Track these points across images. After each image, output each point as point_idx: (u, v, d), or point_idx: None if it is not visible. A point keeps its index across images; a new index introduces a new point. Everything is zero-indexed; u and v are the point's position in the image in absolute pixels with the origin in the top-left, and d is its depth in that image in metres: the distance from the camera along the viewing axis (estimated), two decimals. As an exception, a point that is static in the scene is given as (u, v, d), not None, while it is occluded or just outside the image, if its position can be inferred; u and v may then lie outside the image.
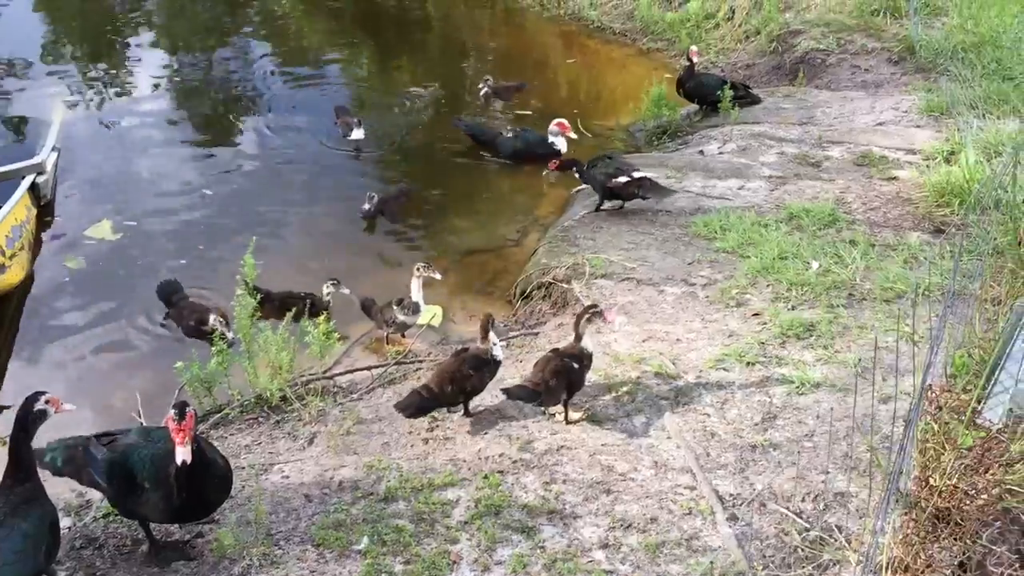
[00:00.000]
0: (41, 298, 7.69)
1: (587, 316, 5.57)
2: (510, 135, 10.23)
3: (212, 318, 6.96)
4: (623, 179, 8.16)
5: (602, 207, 8.46)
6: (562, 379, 5.38)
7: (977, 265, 5.89)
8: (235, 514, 4.73)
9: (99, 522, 4.83)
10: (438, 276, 7.15)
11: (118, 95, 11.95)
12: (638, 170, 8.27)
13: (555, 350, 5.62)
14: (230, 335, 6.68)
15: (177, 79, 12.45)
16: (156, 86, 12.17)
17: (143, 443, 4.38)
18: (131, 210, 9.02)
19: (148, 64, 12.91)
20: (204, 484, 4.22)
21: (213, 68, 13.03)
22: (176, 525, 4.71)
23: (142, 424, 6.06)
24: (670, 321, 6.57)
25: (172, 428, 4.03)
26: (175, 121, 11.20)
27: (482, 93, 11.61)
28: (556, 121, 9.88)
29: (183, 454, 4.03)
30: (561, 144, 9.87)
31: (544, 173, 9.21)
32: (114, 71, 12.80)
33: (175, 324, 7.33)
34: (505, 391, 5.46)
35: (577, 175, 8.61)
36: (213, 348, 5.83)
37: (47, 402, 4.20)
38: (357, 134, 10.25)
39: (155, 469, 4.23)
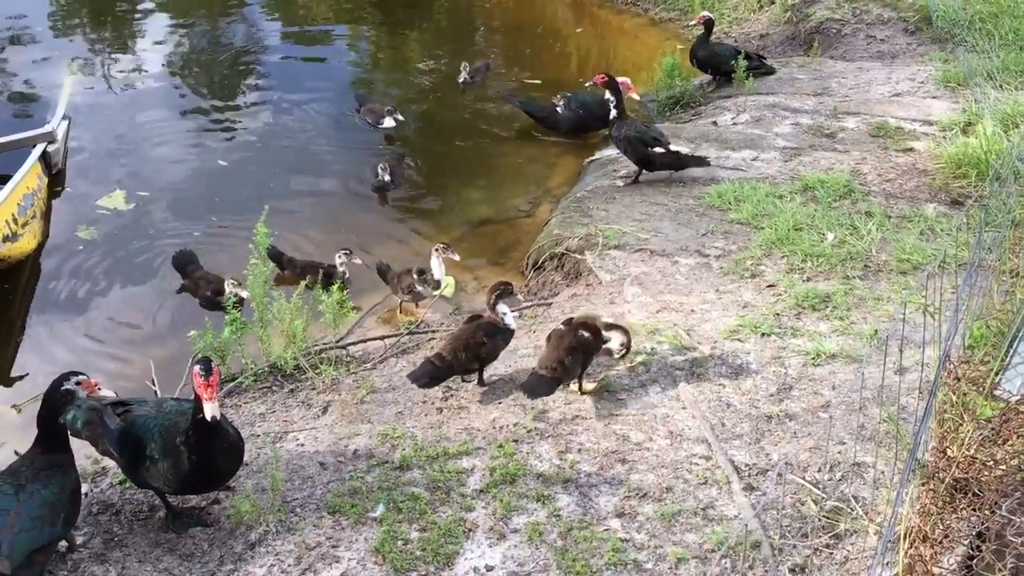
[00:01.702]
0: (54, 267, 7.71)
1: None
2: (561, 104, 9.80)
3: (227, 282, 6.98)
4: (660, 150, 8.11)
5: (639, 179, 8.36)
6: (577, 355, 5.31)
7: (995, 237, 5.83)
8: (251, 481, 4.74)
9: (116, 488, 4.85)
10: (456, 257, 7.14)
11: (127, 65, 11.92)
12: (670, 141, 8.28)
13: (568, 321, 5.59)
14: (244, 294, 6.70)
15: (185, 50, 12.41)
16: (165, 57, 12.14)
17: (154, 414, 4.37)
18: (144, 180, 9.02)
19: (156, 35, 12.86)
20: (214, 452, 4.21)
21: (221, 39, 12.96)
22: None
23: (156, 393, 6.09)
24: (684, 292, 6.54)
25: (199, 384, 4.01)
26: (184, 92, 11.16)
27: (461, 81, 11.11)
28: (622, 80, 9.19)
29: (212, 409, 4.02)
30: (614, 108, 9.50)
31: (587, 84, 8.78)
32: (123, 41, 12.77)
33: (191, 294, 7.35)
34: (526, 390, 5.25)
35: (613, 105, 8.28)
36: (227, 317, 5.83)
37: (78, 383, 4.18)
38: (388, 122, 9.91)
39: (163, 440, 4.22)
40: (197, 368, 4.03)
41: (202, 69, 11.86)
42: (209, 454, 4.19)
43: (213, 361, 4.11)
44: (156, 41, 12.59)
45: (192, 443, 4.16)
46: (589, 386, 5.51)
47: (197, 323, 6.05)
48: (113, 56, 12.20)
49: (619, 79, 9.19)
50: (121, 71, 11.73)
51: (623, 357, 5.55)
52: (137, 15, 13.73)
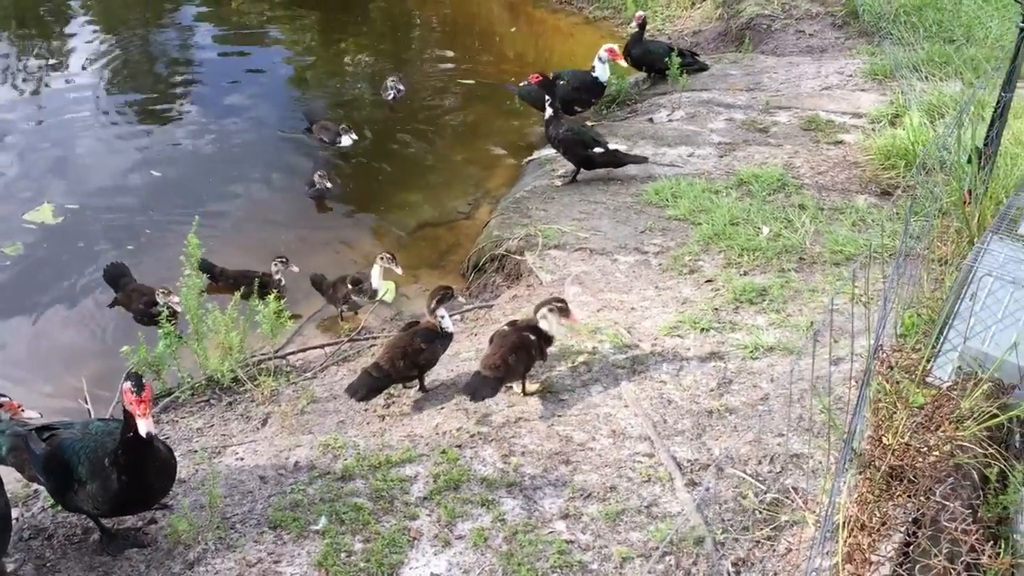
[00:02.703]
0: (-22, 285, 7.47)
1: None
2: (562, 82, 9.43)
3: (157, 293, 6.85)
4: (600, 150, 8.14)
5: (576, 177, 8.39)
6: (521, 354, 5.30)
7: (924, 226, 5.95)
8: (188, 499, 4.63)
9: (48, 512, 4.70)
10: (399, 271, 7.09)
11: (54, 74, 11.61)
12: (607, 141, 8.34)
13: (512, 323, 5.57)
14: (175, 300, 6.61)
15: (115, 58, 12.11)
16: (94, 64, 11.83)
17: (80, 436, 4.24)
18: (73, 193, 8.79)
19: (85, 42, 12.54)
20: (145, 470, 4.09)
21: (152, 46, 12.69)
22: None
23: (89, 412, 5.93)
24: (624, 290, 6.57)
25: (131, 400, 3.89)
26: (115, 101, 10.89)
27: (391, 97, 10.76)
28: (606, 47, 9.35)
29: (146, 426, 3.90)
30: (603, 72, 9.41)
31: (522, 84, 8.61)
32: (50, 50, 12.41)
33: (124, 308, 7.18)
34: (469, 391, 5.22)
35: (548, 106, 8.19)
36: (160, 331, 5.70)
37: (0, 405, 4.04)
38: (346, 141, 9.67)
39: (90, 462, 4.10)
40: (127, 384, 3.92)
41: (134, 78, 11.59)
42: (140, 473, 4.07)
43: (144, 376, 4.00)
44: (85, 50, 12.27)
45: (121, 463, 4.04)
46: (532, 387, 5.50)
47: (131, 338, 5.90)
48: (39, 66, 11.86)
49: (606, 46, 9.23)
50: (48, 81, 11.41)
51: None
52: (64, 23, 13.37)
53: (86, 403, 6.06)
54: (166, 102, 10.91)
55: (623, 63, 9.26)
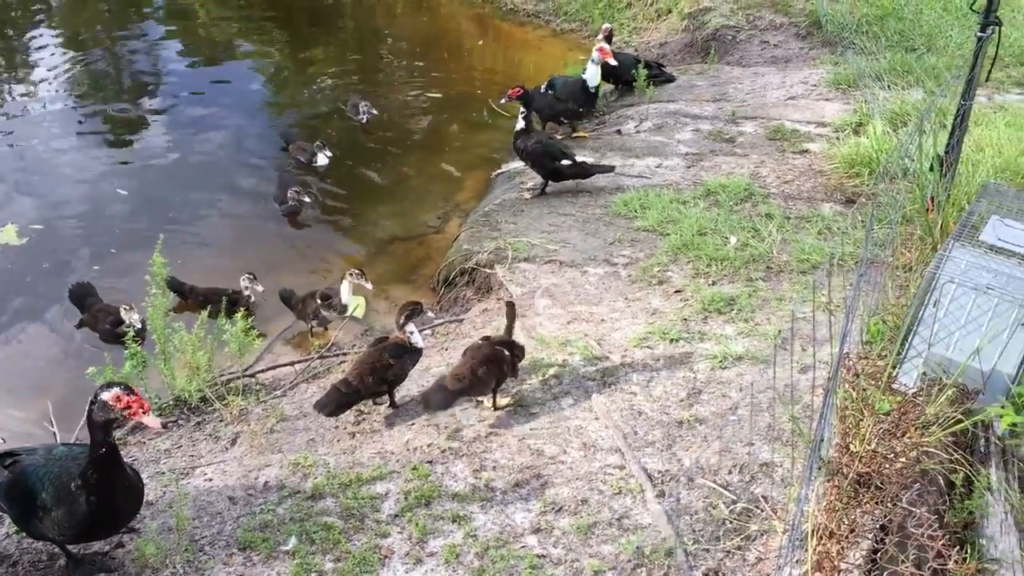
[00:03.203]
0: (-59, 307, 7.35)
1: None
2: (548, 93, 9.39)
3: (121, 310, 6.78)
4: (567, 162, 8.17)
5: (546, 190, 8.41)
6: (492, 367, 5.31)
7: (888, 233, 6.02)
8: (156, 521, 4.58)
9: (12, 538, 4.63)
10: (369, 286, 7.08)
11: (18, 91, 11.47)
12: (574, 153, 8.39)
13: (486, 338, 5.58)
14: (135, 318, 6.61)
15: (82, 74, 11.98)
16: (59, 81, 11.70)
17: (43, 462, 4.16)
18: (37, 213, 8.69)
19: (50, 59, 12.40)
20: (114, 492, 4.03)
21: (119, 62, 12.58)
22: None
23: (55, 435, 5.85)
24: (594, 302, 6.58)
25: (128, 402, 3.84)
26: (81, 119, 10.76)
27: (364, 120, 10.51)
28: (598, 47, 9.26)
29: (154, 422, 3.90)
30: (593, 76, 9.34)
31: (502, 99, 8.55)
32: (13, 66, 12.27)
33: (90, 328, 7.10)
34: (422, 401, 5.34)
35: (522, 117, 8.23)
36: (126, 351, 5.64)
37: None
38: (322, 160, 9.54)
39: (55, 488, 4.02)
40: (115, 391, 3.84)
41: (100, 95, 11.46)
42: (109, 494, 4.01)
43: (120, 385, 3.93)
44: (50, 66, 12.12)
45: (92, 482, 3.97)
46: (503, 401, 5.49)
47: (98, 359, 5.83)
48: (1, 83, 11.73)
49: (598, 46, 9.19)
50: (11, 98, 11.29)
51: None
52: (28, 38, 13.22)
53: (52, 426, 5.98)
54: (133, 119, 10.81)
55: (612, 61, 9.23)
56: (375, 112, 10.50)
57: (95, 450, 3.95)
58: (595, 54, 9.29)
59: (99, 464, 3.95)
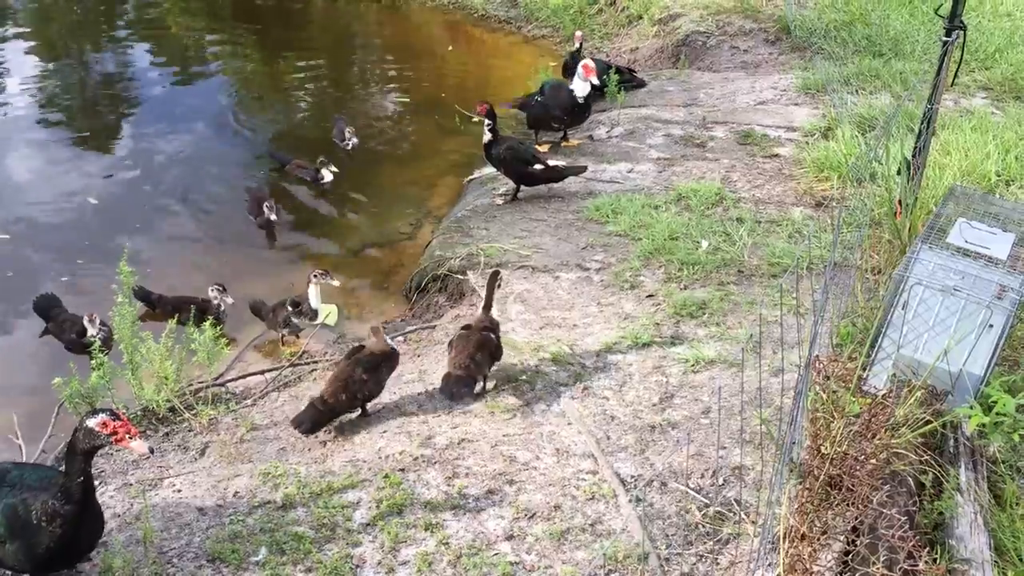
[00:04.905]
0: (-98, 319, 7.21)
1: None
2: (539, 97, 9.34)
3: (84, 320, 6.68)
4: (540, 167, 8.17)
5: (518, 195, 8.41)
6: (484, 352, 5.53)
7: (857, 236, 6.07)
8: (123, 534, 4.51)
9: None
10: (336, 283, 7.03)
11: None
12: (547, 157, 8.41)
13: (467, 327, 5.74)
14: (92, 330, 6.52)
15: (50, 81, 11.81)
16: (28, 89, 11.52)
17: None
18: (5, 223, 8.54)
19: (18, 66, 12.22)
20: (80, 525, 3.91)
21: (89, 69, 12.44)
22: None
23: (21, 447, 5.75)
24: (566, 307, 6.58)
25: (115, 427, 3.76)
26: (52, 128, 10.57)
27: (351, 147, 10.05)
28: (582, 63, 9.18)
29: (141, 447, 3.82)
30: (581, 88, 9.16)
31: (474, 118, 8.54)
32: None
33: (55, 338, 6.99)
34: (447, 394, 5.48)
35: (488, 129, 8.21)
36: (92, 361, 5.55)
37: None
38: (328, 177, 9.33)
39: (9, 521, 3.88)
40: (103, 417, 3.77)
41: (70, 103, 11.30)
42: (75, 527, 3.89)
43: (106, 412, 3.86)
44: (21, 75, 11.94)
45: (59, 514, 3.84)
46: (489, 384, 5.66)
47: (64, 370, 5.74)
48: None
49: (582, 62, 9.14)
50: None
51: None
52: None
53: (17, 439, 5.87)
54: (103, 128, 10.68)
55: (595, 81, 9.17)
56: (357, 140, 10.26)
57: (71, 479, 3.85)
58: (580, 70, 9.17)
59: (71, 494, 3.85)
